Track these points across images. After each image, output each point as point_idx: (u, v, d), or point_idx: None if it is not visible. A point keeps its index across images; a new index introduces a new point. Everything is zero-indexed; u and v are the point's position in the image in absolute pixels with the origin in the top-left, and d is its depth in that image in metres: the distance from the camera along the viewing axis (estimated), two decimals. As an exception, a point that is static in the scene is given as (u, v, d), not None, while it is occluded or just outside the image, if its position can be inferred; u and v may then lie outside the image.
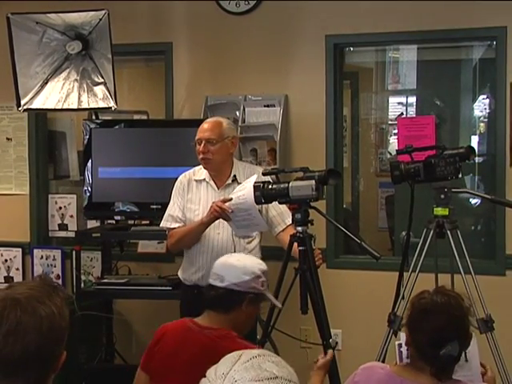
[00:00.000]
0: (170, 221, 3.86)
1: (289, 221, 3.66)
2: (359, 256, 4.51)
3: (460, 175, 3.49)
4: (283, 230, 3.77)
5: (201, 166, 3.84)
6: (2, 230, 5.15)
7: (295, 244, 3.38)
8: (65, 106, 4.33)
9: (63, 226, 5.13)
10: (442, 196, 3.53)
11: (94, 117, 4.76)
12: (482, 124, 5.64)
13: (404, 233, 3.78)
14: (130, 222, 4.73)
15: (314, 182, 3.26)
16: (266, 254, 3.90)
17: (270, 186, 3.38)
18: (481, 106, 5.61)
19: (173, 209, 3.86)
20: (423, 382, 2.38)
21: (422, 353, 2.39)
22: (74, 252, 4.65)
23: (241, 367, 1.40)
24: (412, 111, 6.02)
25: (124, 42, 4.63)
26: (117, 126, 4.70)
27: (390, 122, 6.39)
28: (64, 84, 4.33)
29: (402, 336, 2.86)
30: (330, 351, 2.93)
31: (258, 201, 3.39)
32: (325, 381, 2.86)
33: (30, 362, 1.66)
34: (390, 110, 6.46)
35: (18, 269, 5.17)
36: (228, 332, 2.70)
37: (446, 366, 2.39)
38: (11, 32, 4.26)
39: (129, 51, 4.90)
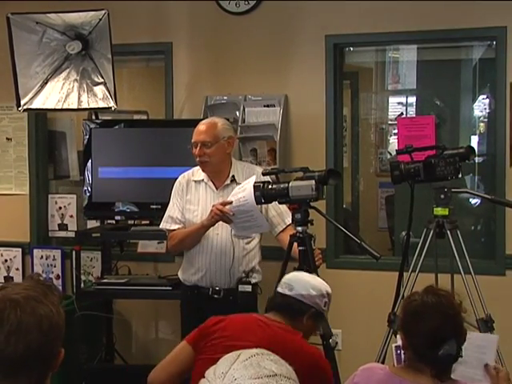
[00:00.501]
0: (169, 222, 3.86)
1: (289, 221, 3.66)
2: (359, 256, 4.50)
3: (460, 175, 3.50)
4: (283, 230, 3.76)
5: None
6: (2, 230, 5.15)
7: (295, 244, 3.38)
8: (65, 106, 4.33)
9: (63, 226, 5.13)
10: (442, 196, 3.54)
11: (93, 117, 4.76)
12: (481, 124, 5.64)
13: (404, 233, 3.78)
14: (130, 222, 4.73)
15: (313, 182, 3.27)
16: (266, 253, 3.91)
17: (270, 186, 3.39)
18: (481, 106, 5.61)
19: (172, 210, 3.86)
20: (423, 383, 2.38)
21: (420, 355, 2.38)
22: (73, 252, 4.64)
23: (240, 366, 1.40)
24: (412, 111, 6.01)
25: (124, 42, 4.63)
26: (117, 126, 4.70)
27: (389, 122, 6.39)
28: (64, 84, 4.33)
29: (399, 338, 2.85)
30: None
31: (257, 201, 3.40)
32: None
33: (32, 361, 1.67)
34: (389, 110, 6.46)
35: (17, 269, 5.17)
36: (295, 330, 2.74)
37: (446, 366, 2.38)
38: (11, 32, 4.26)
39: (129, 51, 4.91)
